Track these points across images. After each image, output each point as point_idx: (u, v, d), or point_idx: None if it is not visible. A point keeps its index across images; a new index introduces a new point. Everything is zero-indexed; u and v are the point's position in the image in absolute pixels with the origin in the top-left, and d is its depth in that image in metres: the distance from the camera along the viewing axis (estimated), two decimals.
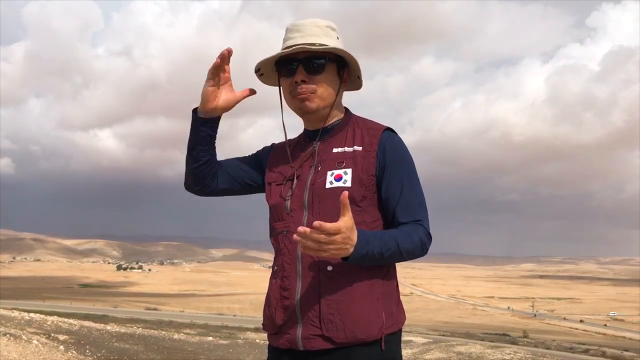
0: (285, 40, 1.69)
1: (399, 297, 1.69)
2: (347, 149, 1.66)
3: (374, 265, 1.57)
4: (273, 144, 1.86)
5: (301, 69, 1.64)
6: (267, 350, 1.74)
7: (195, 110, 1.68)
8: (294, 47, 1.63)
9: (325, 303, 1.55)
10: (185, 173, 1.79)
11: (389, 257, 1.55)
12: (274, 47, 1.67)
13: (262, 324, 1.72)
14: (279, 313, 1.62)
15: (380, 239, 1.53)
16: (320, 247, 1.39)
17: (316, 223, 1.36)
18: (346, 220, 1.40)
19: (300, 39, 1.64)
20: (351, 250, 1.44)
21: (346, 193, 1.40)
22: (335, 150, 1.67)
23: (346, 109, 1.77)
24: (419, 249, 1.60)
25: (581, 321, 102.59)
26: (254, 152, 1.89)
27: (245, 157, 1.86)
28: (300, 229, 1.38)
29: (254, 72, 1.76)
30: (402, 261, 1.61)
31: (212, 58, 1.55)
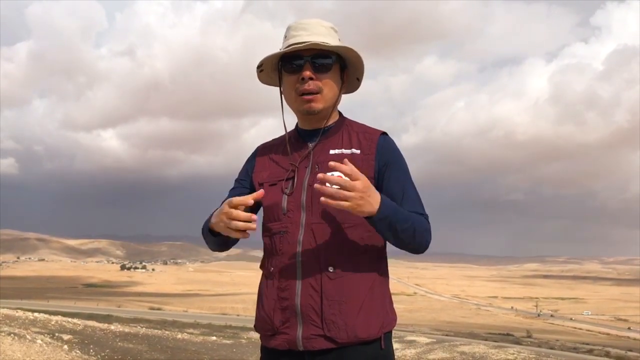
0: (288, 37, 1.67)
1: (391, 296, 1.71)
2: (344, 151, 1.66)
3: (385, 236, 1.59)
4: (258, 147, 1.84)
5: (308, 66, 1.62)
6: (261, 351, 1.70)
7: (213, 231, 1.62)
8: (305, 44, 1.60)
9: (327, 304, 1.54)
10: (213, 250, 1.76)
11: (403, 230, 1.55)
12: (277, 48, 1.66)
13: (255, 326, 1.71)
14: (277, 314, 1.60)
15: (399, 209, 1.55)
16: (340, 195, 1.41)
17: (331, 163, 1.43)
18: (364, 178, 1.46)
19: (307, 37, 1.63)
20: (376, 207, 1.47)
21: (346, 161, 1.45)
22: (332, 152, 1.67)
23: (339, 112, 1.77)
24: (427, 235, 1.62)
25: (551, 316, 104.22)
26: (244, 169, 1.82)
27: (243, 188, 1.78)
28: (320, 175, 1.43)
29: (255, 69, 1.72)
30: (410, 243, 1.60)
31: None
